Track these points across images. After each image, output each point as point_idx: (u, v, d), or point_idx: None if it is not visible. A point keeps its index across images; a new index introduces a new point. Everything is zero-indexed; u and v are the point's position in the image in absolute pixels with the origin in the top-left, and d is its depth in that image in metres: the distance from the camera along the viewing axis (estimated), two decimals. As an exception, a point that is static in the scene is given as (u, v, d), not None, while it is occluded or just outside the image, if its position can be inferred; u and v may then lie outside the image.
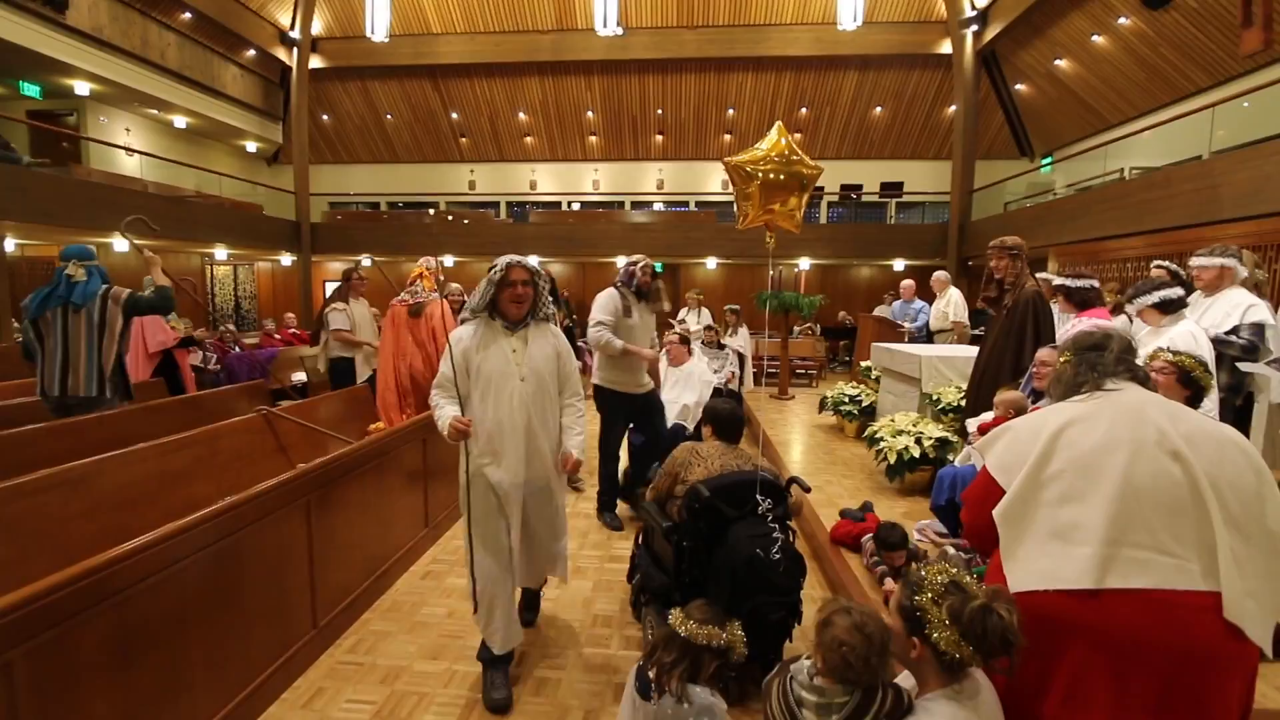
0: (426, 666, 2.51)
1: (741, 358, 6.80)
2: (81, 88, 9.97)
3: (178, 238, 10.05)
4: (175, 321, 5.23)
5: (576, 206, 15.19)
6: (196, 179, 11.81)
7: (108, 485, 2.61)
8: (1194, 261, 3.26)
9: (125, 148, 10.88)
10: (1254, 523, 1.25)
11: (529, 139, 14.85)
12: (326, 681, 2.41)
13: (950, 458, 3.83)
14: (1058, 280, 3.46)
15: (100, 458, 2.63)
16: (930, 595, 1.31)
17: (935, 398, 4.59)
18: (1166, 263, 3.58)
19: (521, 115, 14.38)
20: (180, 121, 12.03)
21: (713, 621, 1.80)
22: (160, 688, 1.83)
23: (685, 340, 5.13)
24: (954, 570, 1.35)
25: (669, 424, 4.60)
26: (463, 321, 2.39)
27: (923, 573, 1.36)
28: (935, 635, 1.27)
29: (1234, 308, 3.08)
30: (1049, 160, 12.64)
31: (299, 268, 13.39)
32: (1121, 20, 9.21)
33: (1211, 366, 2.77)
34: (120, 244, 9.75)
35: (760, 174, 2.47)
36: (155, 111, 11.57)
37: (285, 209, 13.15)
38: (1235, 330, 3.01)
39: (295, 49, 12.95)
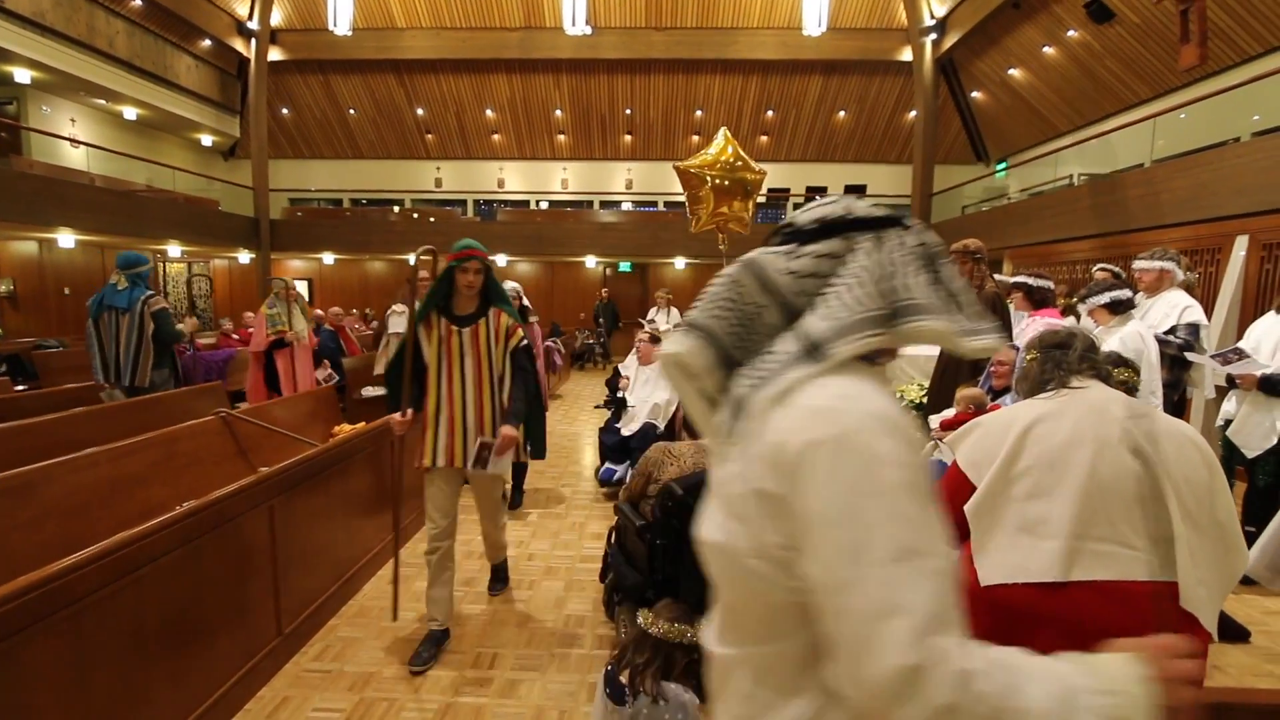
0: (396, 672, 2.47)
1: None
2: (22, 75, 9.48)
3: (128, 234, 9.64)
4: (284, 324, 5.09)
5: (545, 205, 15.10)
6: (148, 173, 11.34)
7: (56, 492, 2.50)
8: (1136, 265, 3.44)
9: (70, 139, 10.39)
10: (1205, 515, 1.33)
11: (496, 136, 14.70)
12: (292, 690, 2.36)
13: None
14: (1021, 278, 3.60)
15: (47, 463, 2.52)
16: None
17: (899, 395, 4.72)
18: (1109, 266, 3.76)
19: (489, 112, 14.23)
20: (130, 113, 11.54)
21: (681, 619, 1.83)
22: (117, 702, 1.76)
23: (656, 340, 5.17)
24: None
25: (640, 423, 4.62)
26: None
27: None
28: None
29: (1172, 308, 3.26)
30: (1004, 166, 13.10)
31: (257, 266, 12.99)
32: (1070, 33, 9.61)
33: (1156, 363, 2.93)
34: (65, 240, 9.32)
35: (709, 178, 2.52)
36: (103, 102, 11.07)
37: (243, 205, 12.74)
38: (1173, 330, 3.19)
39: (253, 40, 12.54)
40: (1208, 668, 2.22)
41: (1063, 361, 1.54)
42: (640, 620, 1.85)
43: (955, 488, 1.52)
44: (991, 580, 1.37)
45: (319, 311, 8.33)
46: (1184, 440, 1.39)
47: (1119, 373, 2.26)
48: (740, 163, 2.41)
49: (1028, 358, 1.64)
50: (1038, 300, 3.51)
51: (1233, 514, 1.37)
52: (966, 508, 1.45)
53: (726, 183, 2.40)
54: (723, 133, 2.51)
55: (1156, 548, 1.30)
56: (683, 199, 14.68)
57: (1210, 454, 1.39)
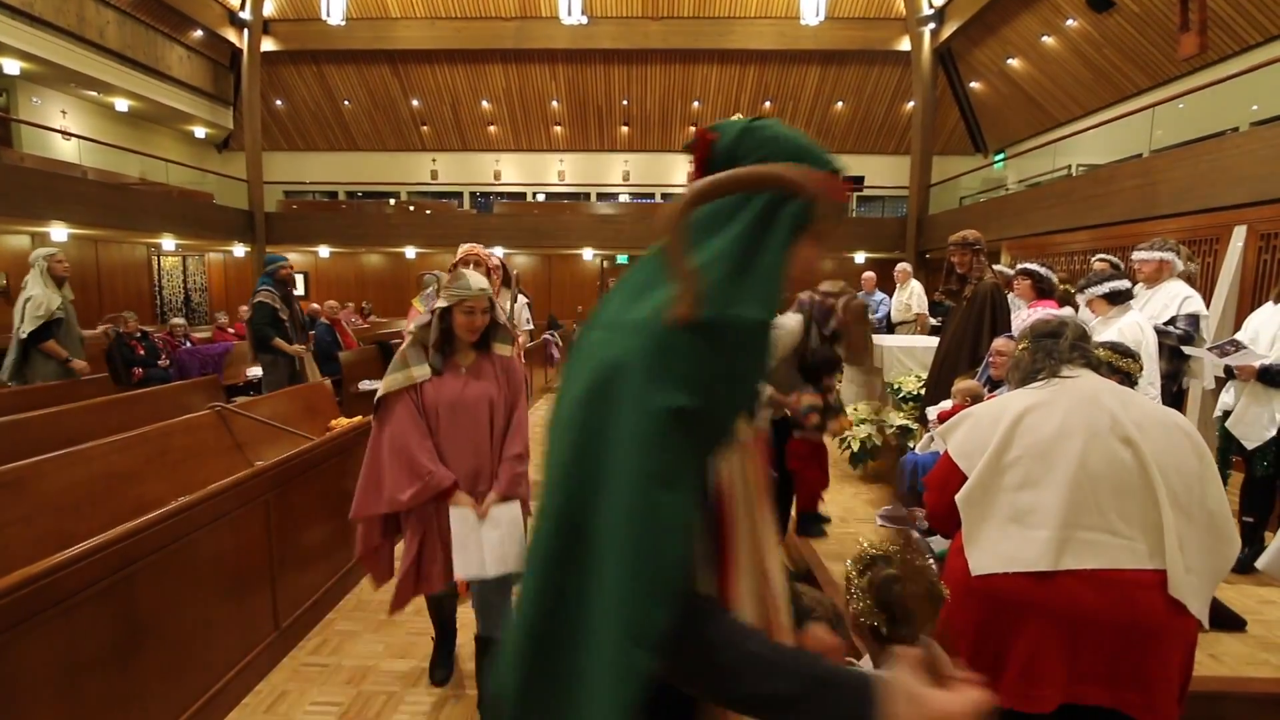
0: (394, 665, 2.47)
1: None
2: (11, 66, 9.36)
3: (121, 227, 9.57)
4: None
5: (541, 197, 15.03)
6: (141, 165, 11.24)
7: (48, 488, 2.48)
8: (1135, 255, 3.42)
9: (61, 131, 10.28)
10: (1195, 503, 1.33)
11: (492, 128, 14.60)
12: (290, 684, 2.35)
13: (911, 445, 3.94)
14: (1030, 265, 3.59)
15: (40, 458, 2.49)
16: (857, 565, 1.44)
17: (896, 387, 4.71)
18: (1108, 256, 3.75)
19: (485, 104, 14.13)
20: (122, 104, 11.41)
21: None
22: (111, 698, 1.75)
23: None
24: (888, 546, 1.46)
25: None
26: None
27: (865, 546, 1.49)
28: (854, 605, 1.40)
29: (1172, 299, 3.25)
30: (1001, 156, 13.06)
31: (253, 259, 12.91)
32: (1069, 22, 9.55)
33: (1154, 354, 2.92)
34: (58, 233, 9.25)
35: None
36: (94, 93, 10.95)
37: (238, 198, 12.64)
38: (1173, 320, 3.18)
39: (246, 30, 12.40)
40: (1204, 657, 2.23)
41: (1053, 351, 1.55)
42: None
43: (946, 478, 1.52)
44: (982, 570, 1.37)
45: (314, 305, 8.32)
46: (1173, 428, 1.39)
47: (1123, 363, 2.26)
48: None
49: (1019, 347, 1.65)
50: (1044, 289, 3.51)
51: (1224, 503, 1.37)
52: (957, 497, 1.46)
53: None
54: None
55: (1146, 536, 1.30)
56: (681, 190, 14.69)
57: (1201, 442, 1.39)
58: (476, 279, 1.96)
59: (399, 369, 1.98)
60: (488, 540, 1.93)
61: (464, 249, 3.17)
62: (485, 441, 2.04)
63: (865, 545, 1.50)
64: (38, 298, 4.28)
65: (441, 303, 1.96)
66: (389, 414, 1.97)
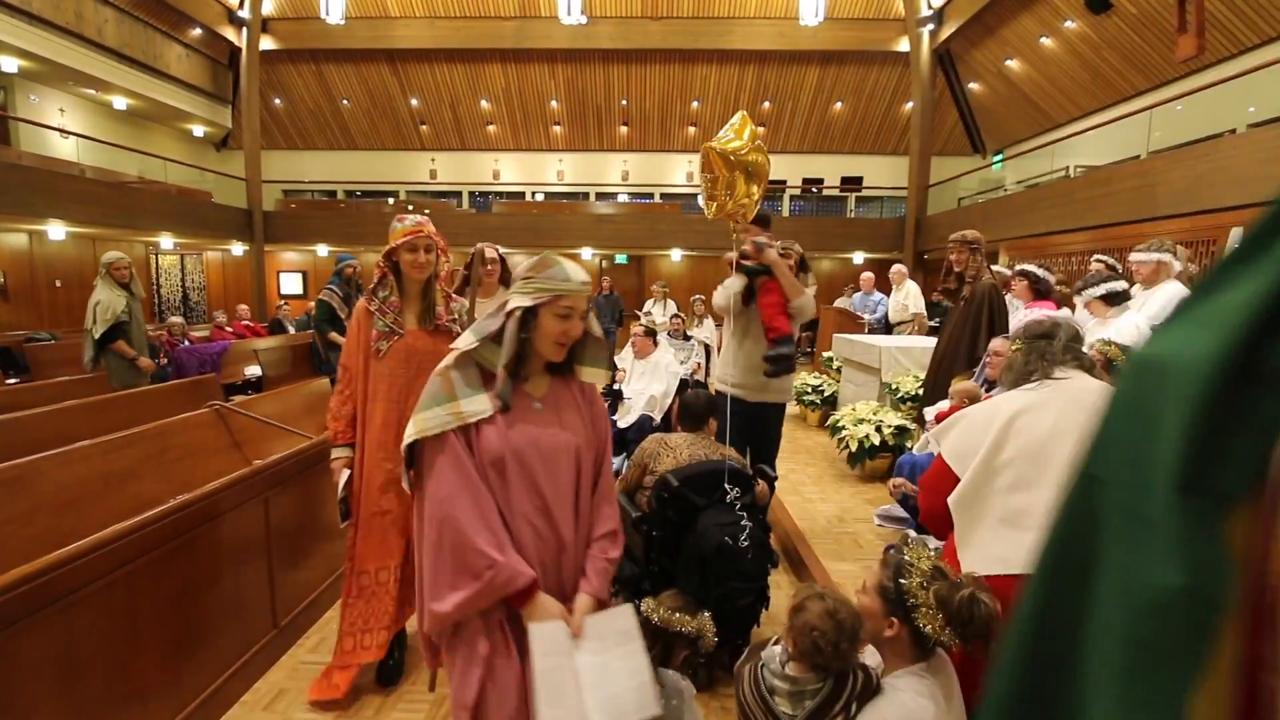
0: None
1: (708, 348, 6.87)
2: (9, 64, 9.34)
3: (119, 226, 9.55)
4: None
5: (540, 197, 15.03)
6: (140, 164, 11.22)
7: (47, 486, 2.48)
8: (1133, 257, 3.44)
9: (59, 129, 10.26)
10: None
11: (491, 127, 14.60)
12: (289, 682, 2.35)
13: (908, 445, 3.95)
14: (1029, 266, 3.61)
15: (37, 457, 2.49)
16: (918, 580, 1.36)
17: (894, 387, 4.72)
18: (1105, 258, 3.77)
19: (484, 103, 14.12)
20: (120, 103, 11.39)
21: (684, 610, 1.84)
22: (111, 695, 1.76)
23: (651, 333, 5.16)
24: (933, 554, 1.40)
25: (636, 415, 4.62)
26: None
27: (906, 556, 1.40)
28: (922, 620, 1.32)
29: (1170, 300, 3.26)
30: (1000, 157, 13.08)
31: (251, 258, 12.90)
32: (1068, 23, 9.57)
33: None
34: (56, 232, 9.24)
35: (738, 160, 2.47)
36: (92, 91, 10.92)
37: (236, 196, 12.63)
38: (1170, 322, 3.19)
39: (245, 29, 12.38)
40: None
41: (1046, 352, 1.55)
42: (643, 609, 1.85)
43: (939, 479, 1.52)
44: (975, 572, 1.37)
45: (311, 304, 8.32)
46: None
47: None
48: (757, 143, 2.37)
49: (1012, 348, 1.65)
50: (1042, 290, 3.52)
51: None
52: (950, 499, 1.46)
53: (735, 160, 2.35)
54: (741, 115, 2.45)
55: None
56: (678, 190, 14.53)
57: None
58: (574, 268, 1.31)
59: (439, 401, 1.26)
60: (586, 673, 1.23)
61: (406, 225, 2.16)
62: (569, 514, 1.33)
63: (908, 557, 1.39)
64: (105, 301, 4.58)
65: (522, 299, 1.28)
66: (428, 471, 1.26)
